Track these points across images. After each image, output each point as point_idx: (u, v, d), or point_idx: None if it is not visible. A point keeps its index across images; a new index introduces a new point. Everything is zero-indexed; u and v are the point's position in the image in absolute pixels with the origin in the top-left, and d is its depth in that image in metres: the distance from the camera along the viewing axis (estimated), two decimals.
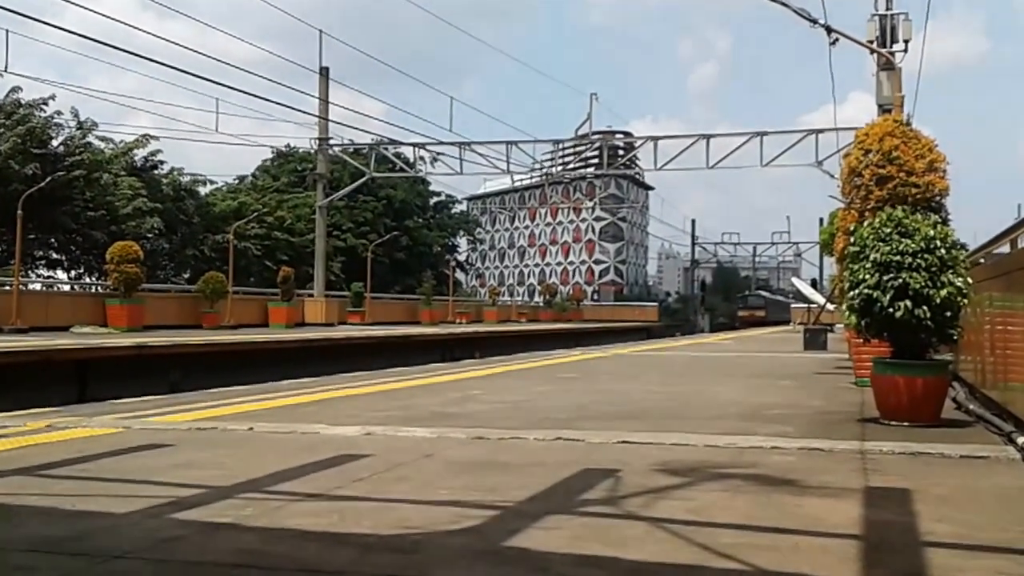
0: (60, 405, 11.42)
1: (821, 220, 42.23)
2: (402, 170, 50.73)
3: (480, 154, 40.60)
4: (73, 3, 21.41)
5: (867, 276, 7.80)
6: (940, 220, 10.63)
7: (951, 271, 7.66)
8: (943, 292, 7.54)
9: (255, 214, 46.53)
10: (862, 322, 7.96)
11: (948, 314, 7.64)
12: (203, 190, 52.59)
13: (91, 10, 22.73)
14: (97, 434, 7.33)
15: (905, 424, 7.68)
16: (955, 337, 8.01)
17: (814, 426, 7.94)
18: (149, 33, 68.67)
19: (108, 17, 32.97)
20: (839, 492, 4.96)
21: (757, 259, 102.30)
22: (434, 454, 6.34)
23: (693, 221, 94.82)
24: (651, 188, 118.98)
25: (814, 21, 17.21)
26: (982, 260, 10.13)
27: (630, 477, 5.40)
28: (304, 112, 39.92)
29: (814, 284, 55.92)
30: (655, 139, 39.49)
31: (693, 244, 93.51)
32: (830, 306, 24.00)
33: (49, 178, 29.58)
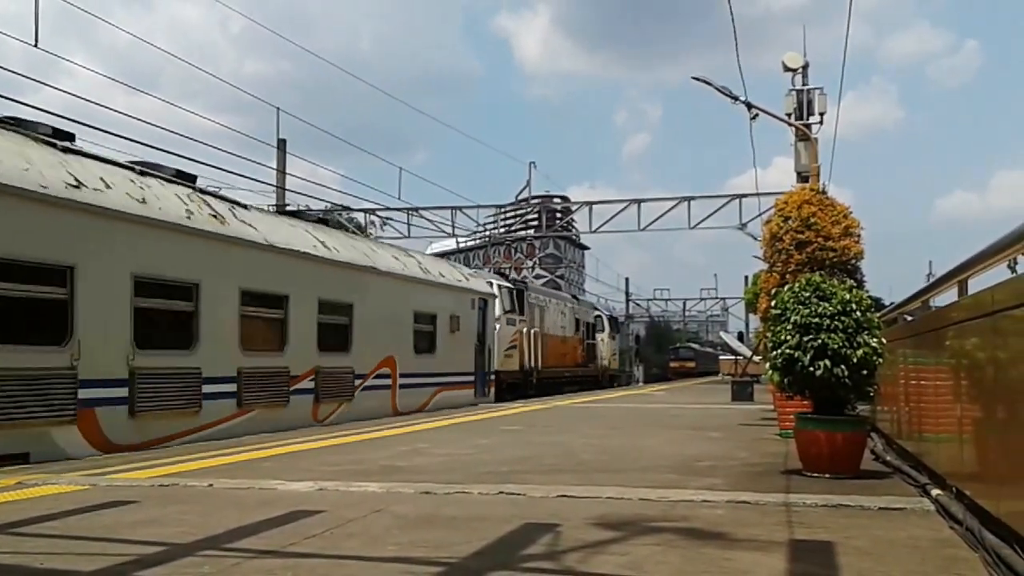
0: None
1: (746, 278, 42.71)
2: (353, 233, 50.40)
3: (427, 219, 40.65)
4: (47, 84, 21.31)
5: (788, 337, 7.87)
6: (856, 283, 10.82)
7: (866, 332, 7.76)
8: (859, 352, 7.62)
9: None
10: (785, 380, 8.01)
11: (864, 372, 7.72)
12: None
13: (64, 91, 22.75)
14: (65, 491, 7.20)
15: (827, 476, 7.71)
16: (871, 394, 8.10)
17: (741, 478, 7.94)
18: (117, 111, 68.63)
19: (80, 97, 32.87)
20: (766, 545, 4.95)
21: (687, 314, 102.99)
22: (383, 509, 6.25)
23: (627, 279, 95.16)
24: (587, 248, 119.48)
25: (735, 98, 17.53)
26: (904, 317, 10.25)
27: (569, 531, 5.34)
28: (261, 182, 39.86)
29: (741, 337, 56.24)
30: (590, 204, 39.72)
31: (627, 300, 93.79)
32: (756, 358, 24.20)
33: None
